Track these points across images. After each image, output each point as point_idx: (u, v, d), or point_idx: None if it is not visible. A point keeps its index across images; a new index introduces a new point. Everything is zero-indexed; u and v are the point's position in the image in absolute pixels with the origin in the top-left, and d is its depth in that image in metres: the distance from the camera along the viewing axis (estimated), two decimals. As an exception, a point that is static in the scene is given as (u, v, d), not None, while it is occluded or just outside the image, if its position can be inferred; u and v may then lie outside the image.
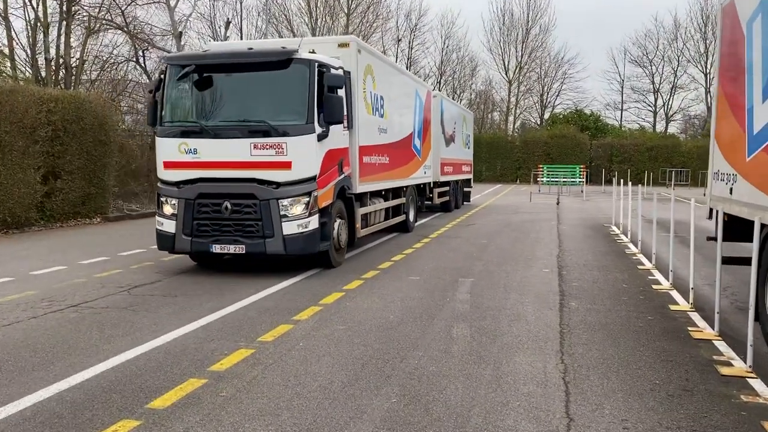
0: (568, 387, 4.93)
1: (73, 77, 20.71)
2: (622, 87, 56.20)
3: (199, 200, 9.25)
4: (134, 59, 23.49)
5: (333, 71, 9.70)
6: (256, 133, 9.05)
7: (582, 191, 34.41)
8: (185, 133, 9.38)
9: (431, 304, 7.67)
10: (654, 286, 8.84)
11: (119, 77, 22.19)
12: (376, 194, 12.62)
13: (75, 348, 5.81)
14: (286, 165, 9.02)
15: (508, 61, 54.60)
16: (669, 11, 71.25)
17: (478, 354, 5.71)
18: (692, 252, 7.73)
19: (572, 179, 36.77)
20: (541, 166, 41.20)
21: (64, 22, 20.67)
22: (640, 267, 10.45)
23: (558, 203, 25.56)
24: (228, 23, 31.81)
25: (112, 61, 22.40)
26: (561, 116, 52.18)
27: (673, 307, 7.59)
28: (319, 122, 9.27)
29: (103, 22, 20.98)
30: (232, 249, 9.18)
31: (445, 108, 20.33)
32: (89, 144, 16.20)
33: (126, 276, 9.37)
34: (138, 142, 21.24)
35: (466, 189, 24.29)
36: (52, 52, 20.80)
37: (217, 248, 9.22)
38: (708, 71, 51.14)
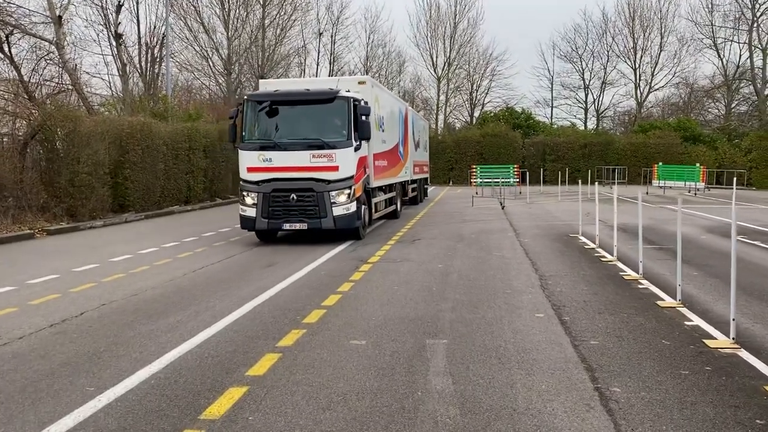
0: None
1: None
2: (552, 83, 55.01)
3: (273, 193, 12.80)
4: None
5: (363, 104, 13.53)
6: (313, 147, 12.77)
7: (520, 192, 32.40)
8: (263, 147, 12.98)
9: (394, 405, 4.59)
10: (708, 343, 6.07)
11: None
12: (379, 189, 16.20)
13: None
14: (335, 168, 12.75)
15: (436, 57, 52.31)
16: (597, 5, 70.77)
17: None
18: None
19: (506, 180, 34.59)
20: (474, 166, 38.98)
21: None
22: (660, 304, 7.73)
23: (503, 207, 23.07)
24: (120, 6, 27.53)
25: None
26: (492, 114, 50.23)
27: (777, 393, 4.81)
28: (355, 139, 13.07)
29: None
30: (297, 226, 12.82)
31: (414, 119, 24.23)
32: None
33: None
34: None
35: (425, 186, 28.16)
36: None
37: (287, 226, 12.88)
38: (637, 66, 50.58)
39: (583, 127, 52.08)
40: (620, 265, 10.49)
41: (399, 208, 19.23)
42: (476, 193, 30.82)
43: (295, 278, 9.60)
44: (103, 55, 31.12)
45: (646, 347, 5.98)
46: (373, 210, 15.18)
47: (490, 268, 10.34)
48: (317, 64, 49.78)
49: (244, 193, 13.08)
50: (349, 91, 13.44)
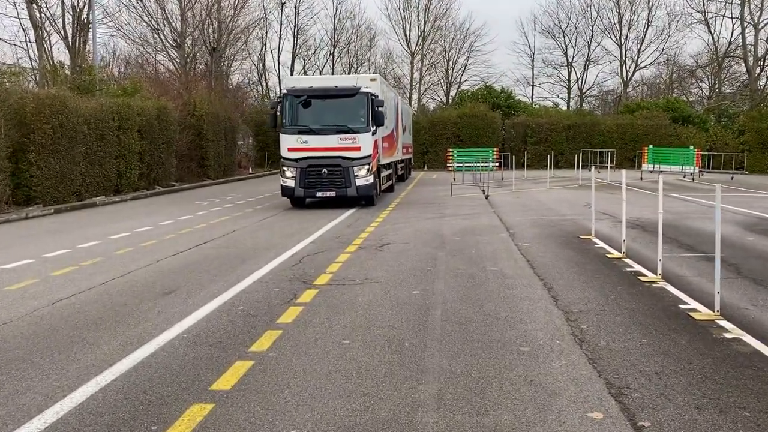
0: None
1: None
2: (533, 60, 51.91)
3: (309, 168, 16.26)
4: None
5: (378, 98, 17.21)
6: (341, 132, 16.37)
7: (503, 178, 29.36)
8: (300, 132, 16.44)
9: None
10: None
11: None
12: (383, 166, 19.31)
13: None
14: (357, 149, 16.41)
15: (410, 31, 48.85)
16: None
17: None
18: None
19: (486, 164, 31.40)
20: (450, 150, 35.74)
21: None
22: (791, 382, 4.57)
23: (487, 197, 19.92)
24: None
25: None
26: (469, 93, 46.94)
27: None
28: (372, 125, 16.78)
29: None
30: (328, 194, 16.39)
31: (402, 106, 26.90)
32: None
33: None
34: None
35: (409, 166, 31.26)
36: None
37: (319, 194, 16.47)
38: (622, 42, 47.68)
39: (565, 107, 49.14)
40: (672, 290, 7.35)
41: (394, 183, 22.77)
42: (454, 179, 27.63)
43: (194, 321, 6.27)
44: (20, 18, 26.88)
45: None
46: (381, 182, 18.64)
47: (489, 298, 7.11)
48: (279, 37, 46.08)
49: (285, 168, 16.49)
50: (367, 87, 16.86)
